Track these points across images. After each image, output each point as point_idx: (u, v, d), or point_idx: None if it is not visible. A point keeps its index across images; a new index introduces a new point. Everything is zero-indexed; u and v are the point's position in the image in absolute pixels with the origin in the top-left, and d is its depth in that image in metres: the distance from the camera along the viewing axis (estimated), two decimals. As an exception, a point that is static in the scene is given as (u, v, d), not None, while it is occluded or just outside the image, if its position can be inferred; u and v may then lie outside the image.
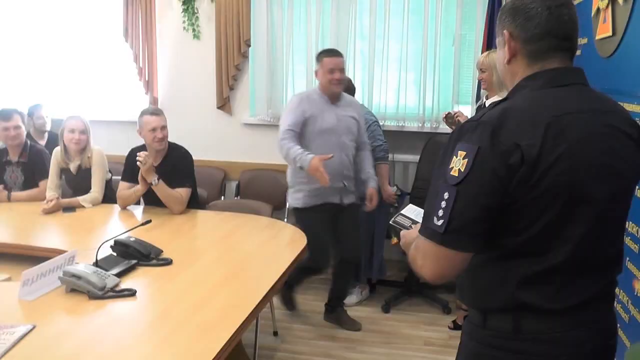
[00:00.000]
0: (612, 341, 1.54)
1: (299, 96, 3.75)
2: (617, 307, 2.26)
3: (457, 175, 1.32)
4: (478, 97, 4.35)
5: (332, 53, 3.69)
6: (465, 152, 1.32)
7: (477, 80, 4.34)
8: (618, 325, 2.14)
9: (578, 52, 3.11)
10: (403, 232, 1.69)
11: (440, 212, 1.34)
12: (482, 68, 3.55)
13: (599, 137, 1.38)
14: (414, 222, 1.73)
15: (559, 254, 1.38)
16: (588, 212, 1.37)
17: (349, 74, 4.84)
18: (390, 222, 1.76)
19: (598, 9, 2.73)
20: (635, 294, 2.11)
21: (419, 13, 4.69)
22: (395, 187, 4.32)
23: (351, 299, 4.27)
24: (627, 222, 2.19)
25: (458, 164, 1.32)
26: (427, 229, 1.38)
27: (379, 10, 4.73)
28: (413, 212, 1.79)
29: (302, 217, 3.74)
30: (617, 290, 2.22)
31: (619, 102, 2.21)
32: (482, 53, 4.30)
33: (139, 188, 3.53)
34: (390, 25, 4.74)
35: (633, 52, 2.32)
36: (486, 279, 1.46)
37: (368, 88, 4.85)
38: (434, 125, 4.76)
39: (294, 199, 3.76)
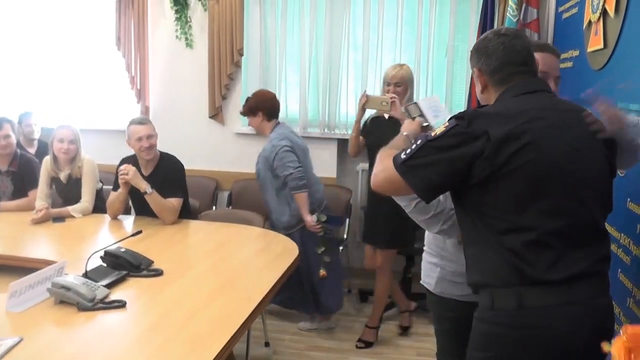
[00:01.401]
0: (609, 324, 1.73)
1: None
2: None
3: (433, 135, 1.69)
4: (469, 107, 4.35)
5: None
6: (447, 124, 1.68)
7: (469, 91, 4.36)
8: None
9: (570, 64, 3.16)
10: (406, 121, 2.16)
11: (409, 151, 1.71)
12: (399, 82, 3.59)
13: (563, 127, 1.68)
14: (421, 115, 2.18)
15: (544, 228, 1.62)
16: (563, 190, 1.64)
17: (343, 84, 4.85)
18: (404, 107, 2.20)
19: (590, 22, 2.74)
20: (628, 305, 2.11)
21: (412, 24, 4.70)
22: (316, 216, 3.79)
23: (305, 324, 4.12)
24: (619, 234, 2.20)
25: (439, 130, 1.69)
26: (395, 157, 1.75)
27: (373, 21, 4.74)
28: (429, 104, 2.07)
29: None
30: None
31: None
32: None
33: (121, 191, 3.51)
34: (383, 36, 4.75)
35: (624, 64, 2.33)
36: (488, 259, 1.70)
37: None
38: (428, 135, 4.75)
39: None
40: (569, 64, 3.19)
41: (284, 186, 3.79)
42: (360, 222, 4.63)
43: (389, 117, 3.48)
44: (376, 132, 3.68)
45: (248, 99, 3.99)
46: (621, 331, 0.85)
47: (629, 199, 2.12)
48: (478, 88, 1.88)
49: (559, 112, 1.73)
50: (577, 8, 3.10)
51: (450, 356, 2.44)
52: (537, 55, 1.90)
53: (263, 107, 3.90)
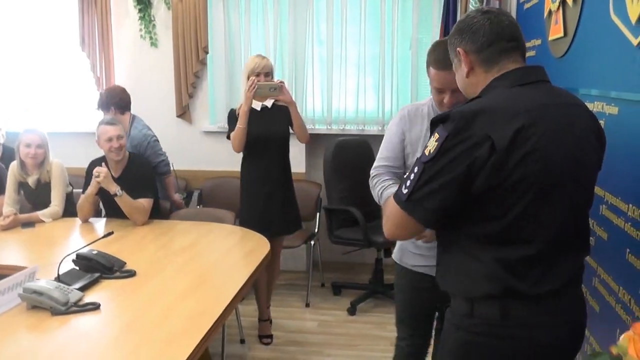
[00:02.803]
0: (584, 324, 1.70)
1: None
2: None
3: (428, 154, 1.50)
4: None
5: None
6: (438, 136, 1.49)
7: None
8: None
9: (533, 53, 3.22)
10: None
11: (408, 183, 1.54)
12: (268, 72, 3.62)
13: (566, 129, 1.53)
14: None
15: (541, 239, 1.52)
16: (560, 197, 1.52)
17: (308, 79, 4.88)
18: None
19: (550, 11, 2.80)
20: (593, 285, 2.18)
21: (376, 18, 4.74)
22: (179, 194, 4.39)
23: None
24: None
25: (432, 145, 1.50)
26: (396, 194, 1.59)
27: (336, 16, 4.77)
28: None
29: None
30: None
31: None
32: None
33: (89, 193, 3.49)
34: (347, 30, 4.78)
35: (584, 51, 2.39)
36: (472, 267, 1.57)
37: (327, 93, 4.89)
38: (394, 129, 4.80)
39: None
40: (532, 53, 3.25)
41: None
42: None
43: (272, 106, 3.65)
44: (258, 122, 3.66)
45: (100, 95, 4.18)
46: (631, 329, 0.87)
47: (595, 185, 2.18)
48: (461, 73, 1.67)
49: (560, 109, 1.56)
50: (537, -2, 3.16)
51: (404, 324, 2.63)
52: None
53: (113, 102, 4.07)
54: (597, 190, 2.13)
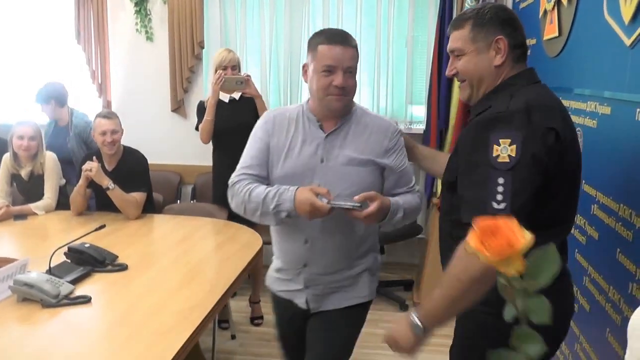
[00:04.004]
0: None
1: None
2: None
3: (508, 161, 1.47)
4: (430, 98, 4.42)
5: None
6: (510, 139, 1.48)
7: (429, 81, 4.43)
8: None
9: (528, 52, 3.22)
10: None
11: (499, 197, 1.47)
12: (235, 65, 3.73)
13: (571, 122, 1.67)
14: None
15: (570, 222, 1.70)
16: (578, 184, 1.70)
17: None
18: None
19: (545, 11, 2.81)
20: (584, 284, 2.19)
21: (372, 15, 4.74)
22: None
23: None
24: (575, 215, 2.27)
25: (504, 151, 1.48)
26: (488, 215, 1.44)
27: (332, 12, 4.76)
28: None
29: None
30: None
31: (565, 100, 2.34)
32: (433, 54, 4.38)
33: (81, 185, 3.48)
34: (343, 27, 4.74)
35: (578, 51, 2.40)
36: None
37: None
38: (389, 126, 4.81)
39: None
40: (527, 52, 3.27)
41: None
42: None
43: (240, 98, 3.76)
44: (225, 114, 3.79)
45: (40, 89, 4.27)
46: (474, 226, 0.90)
47: (584, 181, 2.19)
48: (487, 61, 1.69)
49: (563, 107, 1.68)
50: (532, -2, 3.17)
51: None
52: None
53: (55, 95, 4.23)
54: (589, 189, 2.14)
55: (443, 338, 1.89)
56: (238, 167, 2.13)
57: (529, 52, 3.17)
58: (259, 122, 2.18)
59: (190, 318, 2.12)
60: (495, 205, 1.47)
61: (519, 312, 0.88)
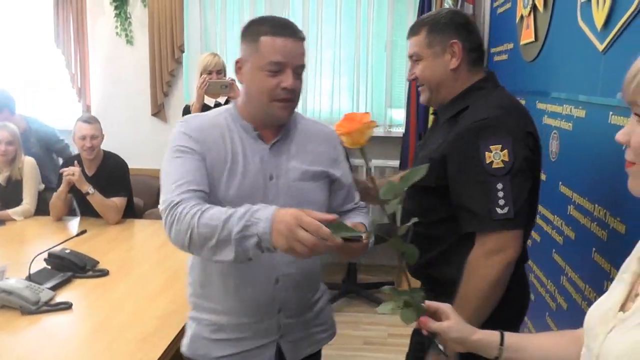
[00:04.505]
0: None
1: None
2: (546, 296, 2.37)
3: (503, 166, 1.55)
4: (409, 101, 4.45)
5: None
6: (500, 145, 1.55)
7: (409, 85, 4.46)
8: (547, 313, 2.27)
9: (505, 57, 3.26)
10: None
11: (502, 202, 1.54)
12: (220, 69, 3.77)
13: None
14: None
15: (535, 219, 1.84)
16: (539, 183, 1.77)
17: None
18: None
19: (522, 16, 2.85)
20: (562, 283, 2.22)
21: (351, 19, 4.77)
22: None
23: None
24: (553, 216, 2.31)
25: (497, 157, 1.55)
26: (494, 222, 1.56)
27: (312, 16, 4.79)
28: None
29: None
30: (545, 280, 2.34)
31: (542, 103, 2.39)
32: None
33: (62, 190, 3.46)
34: (323, 31, 4.81)
35: (553, 56, 2.44)
36: (466, 252, 1.69)
37: (302, 93, 4.86)
38: (368, 130, 4.84)
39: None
40: (504, 57, 3.31)
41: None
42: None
43: (225, 102, 3.71)
44: None
45: None
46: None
47: (560, 182, 2.23)
48: (443, 64, 1.75)
49: None
50: (510, 3, 3.20)
51: None
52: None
53: (6, 103, 4.18)
54: (565, 190, 2.18)
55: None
56: (171, 185, 1.56)
57: (503, 57, 3.24)
58: (177, 135, 1.66)
59: (171, 323, 2.12)
60: (499, 210, 1.54)
61: (387, 214, 1.13)
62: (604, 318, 0.99)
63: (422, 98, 1.87)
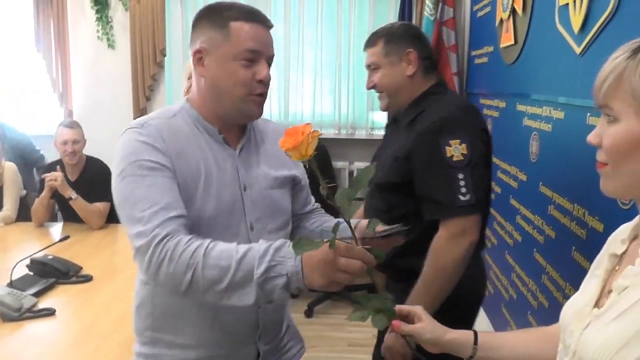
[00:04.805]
0: None
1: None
2: (528, 295, 2.40)
3: (463, 158, 1.72)
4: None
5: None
6: (459, 140, 1.73)
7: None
8: (529, 312, 2.29)
9: (485, 59, 3.30)
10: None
11: (463, 190, 1.71)
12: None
13: None
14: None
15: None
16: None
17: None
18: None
19: (501, 20, 2.88)
20: (542, 282, 2.25)
21: (333, 21, 4.79)
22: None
23: None
24: (533, 216, 2.34)
25: (457, 150, 1.72)
26: (458, 208, 1.72)
27: (293, 18, 4.80)
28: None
29: None
30: (526, 279, 2.37)
31: (522, 105, 2.44)
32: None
33: (44, 196, 3.43)
34: (304, 33, 4.82)
35: (533, 58, 2.47)
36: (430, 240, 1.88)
37: (284, 95, 4.91)
38: (350, 132, 4.87)
39: None
40: (485, 59, 3.34)
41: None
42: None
43: None
44: None
45: None
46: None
47: (540, 183, 2.26)
48: (400, 71, 1.94)
49: None
50: (490, 7, 3.24)
51: None
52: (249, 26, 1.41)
53: None
54: (545, 190, 2.21)
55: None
56: (143, 213, 1.32)
57: (483, 60, 3.27)
58: (134, 145, 1.39)
59: (156, 327, 2.11)
60: (461, 197, 1.71)
61: (345, 219, 1.13)
62: (579, 315, 1.01)
63: (382, 105, 2.03)
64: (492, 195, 2.85)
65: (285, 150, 1.09)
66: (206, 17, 1.44)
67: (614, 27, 1.63)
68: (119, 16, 4.99)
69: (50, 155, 3.64)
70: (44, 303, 2.34)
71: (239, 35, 1.39)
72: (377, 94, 2.03)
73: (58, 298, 2.43)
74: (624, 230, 1.05)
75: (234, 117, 1.47)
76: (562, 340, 1.06)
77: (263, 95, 1.46)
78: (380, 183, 1.94)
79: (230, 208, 1.43)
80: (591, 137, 0.97)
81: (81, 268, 2.69)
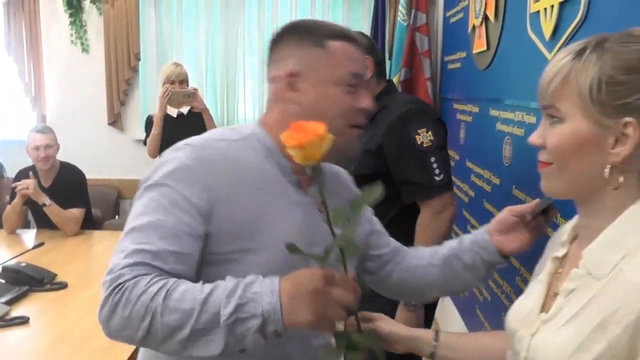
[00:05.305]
0: None
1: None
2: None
3: (431, 144, 1.98)
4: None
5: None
6: (425, 128, 1.99)
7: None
8: (502, 313, 2.32)
9: (459, 65, 3.33)
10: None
11: (437, 171, 1.96)
12: (183, 79, 3.79)
13: None
14: None
15: None
16: None
17: (240, 87, 4.88)
18: None
19: (474, 26, 2.91)
20: (516, 283, 2.28)
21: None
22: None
23: None
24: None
25: (425, 137, 1.98)
26: (436, 187, 1.98)
27: (267, 24, 4.79)
28: None
29: None
30: (500, 281, 2.39)
31: (495, 110, 2.47)
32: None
33: (16, 202, 3.39)
34: (279, 39, 4.81)
35: (505, 64, 2.50)
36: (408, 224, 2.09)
37: (259, 101, 4.90)
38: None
39: None
40: (458, 65, 3.37)
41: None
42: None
43: (188, 113, 3.77)
44: (173, 129, 3.73)
45: None
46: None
47: (514, 186, 2.29)
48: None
49: None
50: (462, 13, 3.27)
51: None
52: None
53: None
54: (519, 194, 2.23)
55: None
56: (135, 245, 1.11)
57: (457, 65, 3.29)
58: (177, 166, 1.19)
59: (132, 335, 2.10)
60: (437, 178, 1.95)
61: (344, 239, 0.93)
62: (526, 320, 1.01)
63: None
64: (466, 199, 2.89)
65: (289, 146, 0.90)
66: (296, 35, 1.23)
67: (583, 34, 1.66)
68: (93, 20, 4.95)
69: (24, 161, 3.58)
70: (17, 311, 2.31)
71: (340, 56, 1.19)
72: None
73: (32, 306, 2.40)
74: (563, 231, 1.06)
75: (327, 153, 0.98)
76: (511, 347, 1.05)
77: (363, 128, 1.25)
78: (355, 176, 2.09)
79: (281, 267, 1.06)
80: (534, 138, 0.98)
81: (56, 275, 2.67)
